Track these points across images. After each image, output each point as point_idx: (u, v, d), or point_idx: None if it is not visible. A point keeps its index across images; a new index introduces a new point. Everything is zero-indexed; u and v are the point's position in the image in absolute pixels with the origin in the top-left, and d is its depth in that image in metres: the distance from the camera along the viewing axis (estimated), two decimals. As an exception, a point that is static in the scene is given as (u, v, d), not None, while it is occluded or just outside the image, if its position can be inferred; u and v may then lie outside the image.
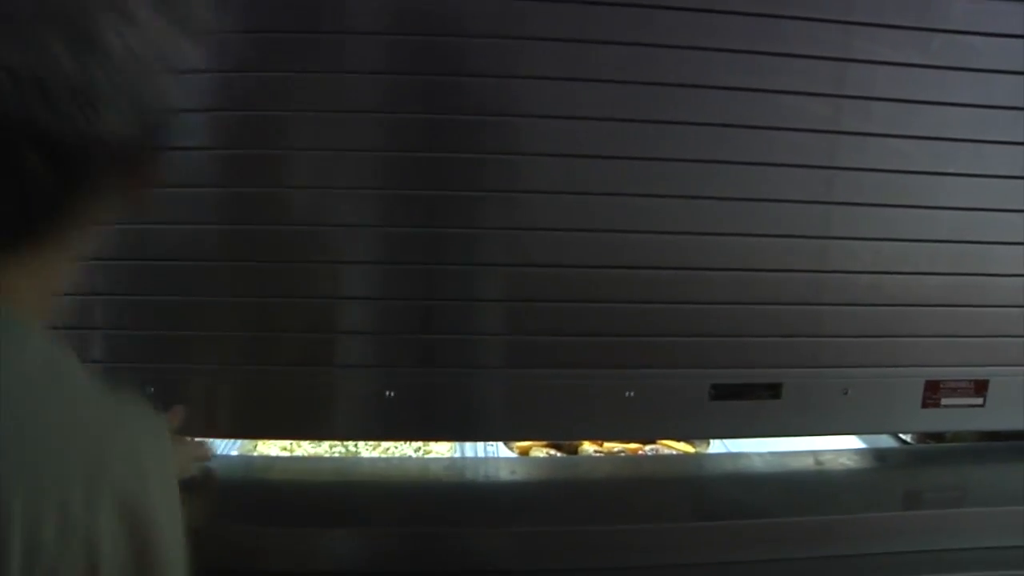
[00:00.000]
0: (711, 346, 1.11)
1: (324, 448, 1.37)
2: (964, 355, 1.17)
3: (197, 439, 1.07)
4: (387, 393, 1.05)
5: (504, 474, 1.26)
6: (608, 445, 1.39)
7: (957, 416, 1.18)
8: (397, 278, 1.04)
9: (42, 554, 0.42)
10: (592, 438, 1.37)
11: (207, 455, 1.07)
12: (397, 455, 1.36)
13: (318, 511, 1.08)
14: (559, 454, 1.36)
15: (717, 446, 1.35)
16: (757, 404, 1.13)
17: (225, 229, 1.03)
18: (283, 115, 1.00)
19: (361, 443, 1.39)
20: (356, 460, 1.35)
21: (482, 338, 1.07)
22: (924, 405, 1.16)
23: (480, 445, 1.34)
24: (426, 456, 1.36)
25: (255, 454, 1.37)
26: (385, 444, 1.38)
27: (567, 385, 1.08)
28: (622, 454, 1.37)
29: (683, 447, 1.40)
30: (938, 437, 1.33)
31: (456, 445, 1.35)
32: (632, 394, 1.09)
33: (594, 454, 1.37)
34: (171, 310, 1.03)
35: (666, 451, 1.38)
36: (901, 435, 1.36)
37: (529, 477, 1.26)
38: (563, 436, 1.35)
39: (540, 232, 1.04)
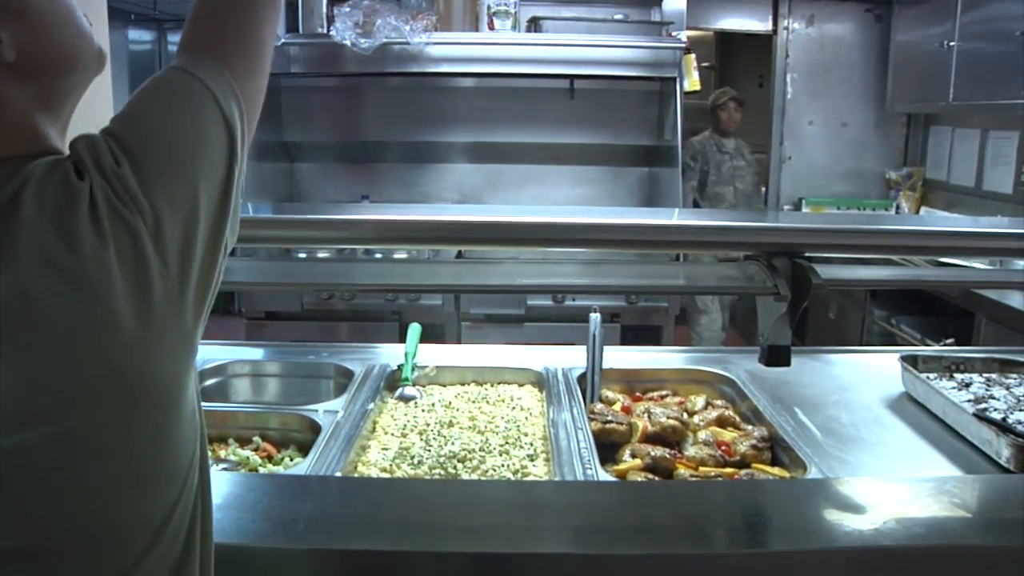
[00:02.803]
0: None
1: (423, 470, 1.40)
2: None
3: None
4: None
5: (602, 498, 1.28)
6: (704, 469, 1.40)
7: None
8: None
9: None
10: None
11: None
12: (495, 477, 1.38)
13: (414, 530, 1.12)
14: (655, 478, 1.37)
15: (814, 472, 1.35)
16: None
17: None
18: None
19: (460, 464, 1.41)
20: (454, 483, 1.37)
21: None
22: None
23: (579, 469, 1.35)
24: (525, 479, 1.38)
25: (355, 475, 1.40)
26: (483, 467, 1.41)
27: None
28: (719, 479, 1.37)
29: (779, 472, 1.40)
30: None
31: (555, 468, 1.37)
32: None
33: (690, 479, 1.38)
34: None
35: (762, 476, 1.38)
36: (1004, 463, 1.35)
37: (626, 501, 1.28)
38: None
39: None
